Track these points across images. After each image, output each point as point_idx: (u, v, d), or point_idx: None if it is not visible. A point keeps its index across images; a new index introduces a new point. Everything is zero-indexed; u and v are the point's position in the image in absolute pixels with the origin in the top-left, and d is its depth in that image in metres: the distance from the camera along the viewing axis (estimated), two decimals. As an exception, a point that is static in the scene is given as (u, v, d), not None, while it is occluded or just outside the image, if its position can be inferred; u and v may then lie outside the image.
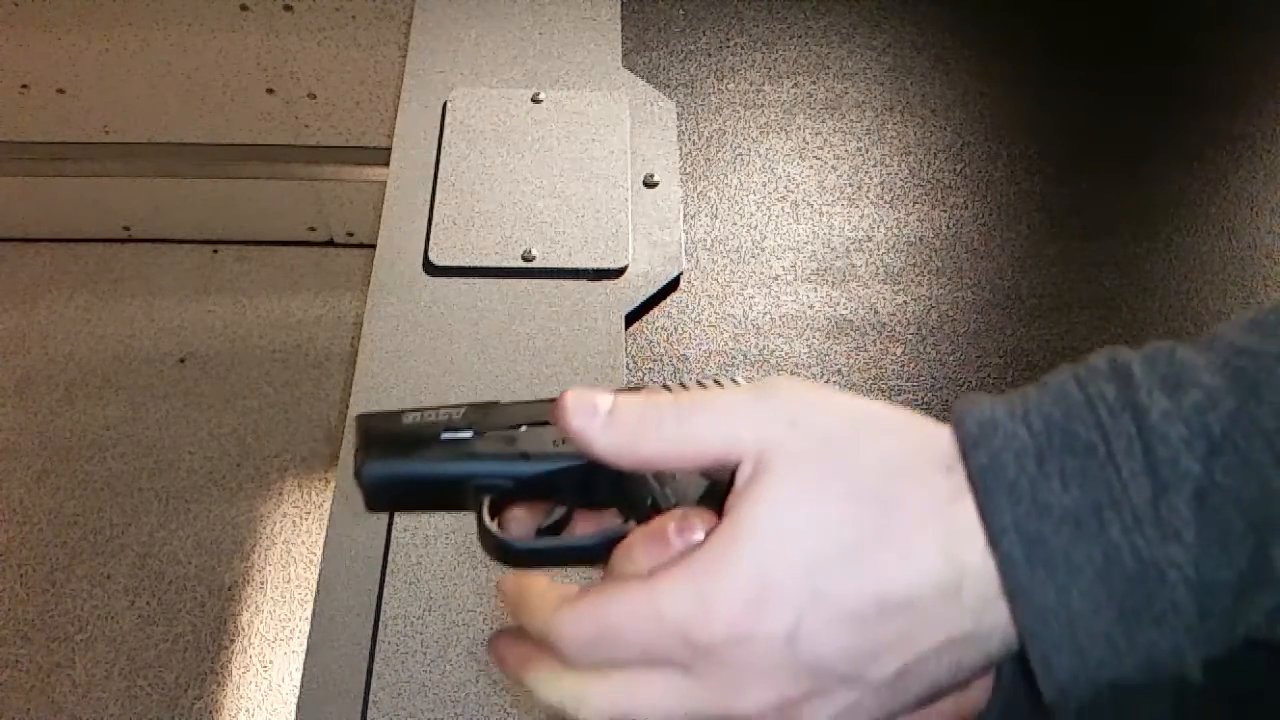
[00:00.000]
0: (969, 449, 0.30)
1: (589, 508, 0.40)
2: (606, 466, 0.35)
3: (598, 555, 0.37)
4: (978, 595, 0.30)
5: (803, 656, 0.30)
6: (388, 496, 0.40)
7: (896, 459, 0.31)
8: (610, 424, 0.34)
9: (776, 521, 0.31)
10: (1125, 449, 0.29)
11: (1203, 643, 0.29)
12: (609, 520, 0.40)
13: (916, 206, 0.96)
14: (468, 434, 0.40)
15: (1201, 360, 0.30)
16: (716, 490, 0.35)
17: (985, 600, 0.30)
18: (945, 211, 0.95)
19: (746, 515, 0.31)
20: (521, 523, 0.40)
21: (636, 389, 0.36)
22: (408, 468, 0.39)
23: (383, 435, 0.40)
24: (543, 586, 0.34)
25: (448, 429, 0.40)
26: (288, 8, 1.72)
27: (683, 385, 0.38)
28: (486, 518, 0.39)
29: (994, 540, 0.29)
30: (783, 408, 0.33)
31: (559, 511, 0.40)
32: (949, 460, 0.31)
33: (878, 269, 0.91)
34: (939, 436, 0.32)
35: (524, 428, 0.40)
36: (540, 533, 0.40)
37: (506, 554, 0.38)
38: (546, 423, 0.39)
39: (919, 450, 0.31)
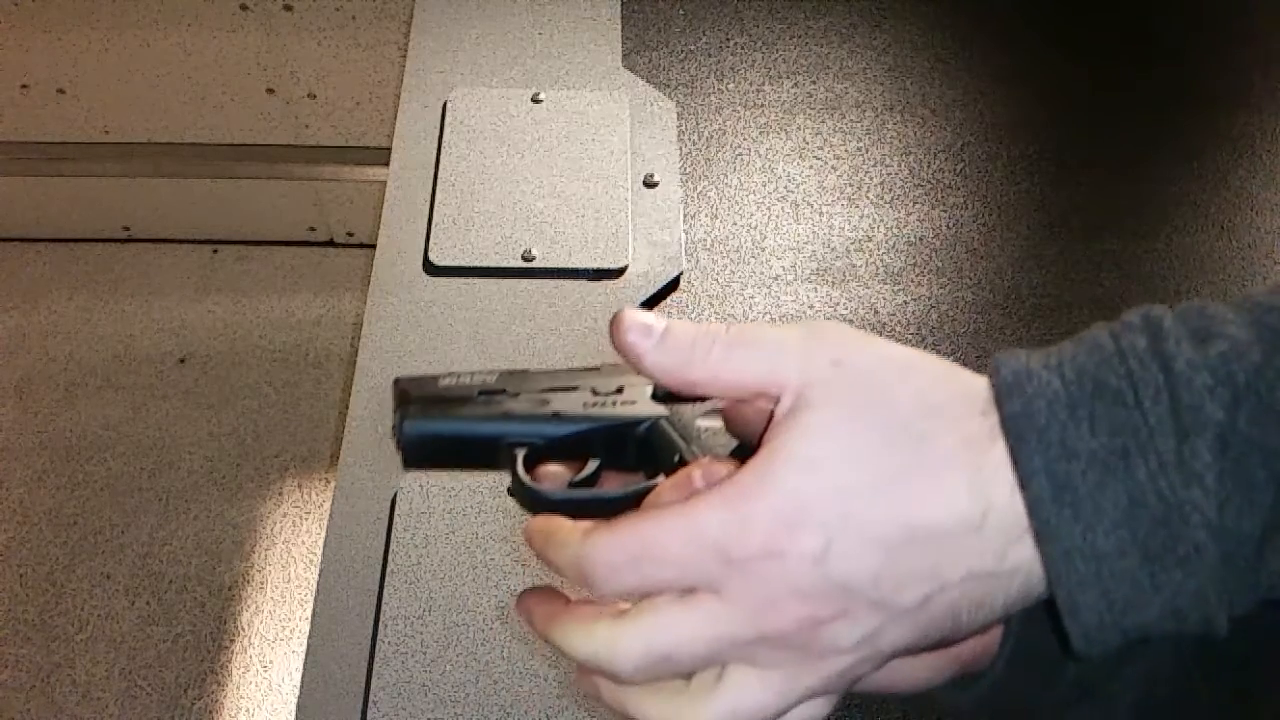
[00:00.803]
0: (1003, 396, 0.31)
1: (617, 469, 0.42)
2: (644, 419, 0.38)
3: (628, 506, 0.38)
4: (1001, 532, 0.31)
5: (833, 576, 0.31)
6: (424, 453, 0.42)
7: (933, 400, 0.32)
8: (662, 344, 0.35)
9: (813, 449, 0.32)
10: (1152, 396, 0.30)
11: (1226, 591, 0.29)
12: (635, 480, 0.41)
13: (916, 206, 0.96)
14: (501, 396, 0.42)
15: (1231, 315, 0.31)
16: (743, 450, 0.36)
17: (1008, 538, 0.31)
18: (945, 211, 0.95)
19: (783, 443, 0.32)
20: (552, 481, 0.41)
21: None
22: (444, 426, 0.41)
23: (421, 395, 0.42)
24: (572, 523, 0.35)
25: (483, 391, 0.42)
26: (288, 8, 1.72)
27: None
28: (520, 469, 0.40)
29: (1024, 483, 0.30)
30: (829, 347, 0.34)
31: (590, 467, 0.41)
32: (984, 406, 0.32)
33: (878, 269, 0.91)
34: (976, 384, 0.33)
35: (556, 391, 0.42)
36: (572, 486, 0.41)
37: (538, 503, 0.40)
38: (576, 387, 0.42)
39: (956, 395, 0.32)
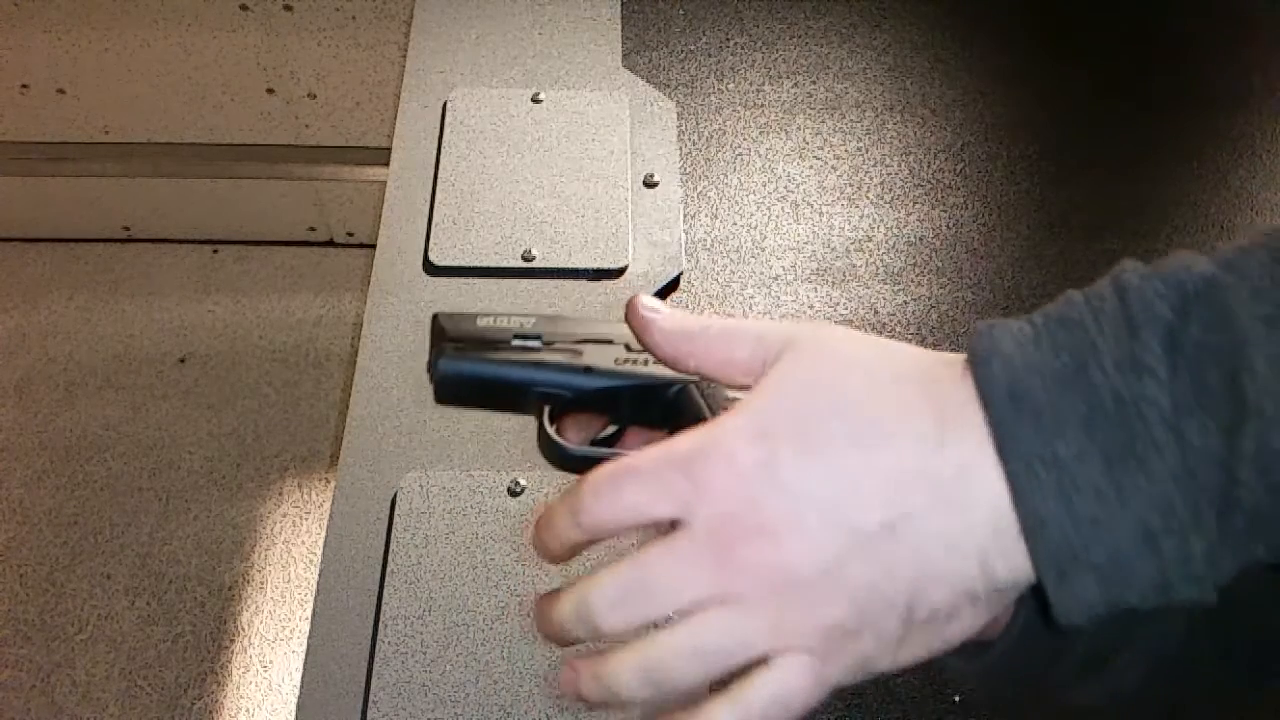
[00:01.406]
0: (975, 339, 0.32)
1: (641, 425, 0.43)
2: (655, 384, 0.40)
3: None
4: (961, 456, 0.31)
5: (784, 484, 0.32)
6: (455, 391, 0.43)
7: (904, 360, 0.34)
8: (668, 318, 0.39)
9: (783, 382, 0.34)
10: (1109, 315, 0.31)
11: (1199, 512, 0.29)
12: (659, 440, 0.42)
13: (916, 206, 0.96)
14: (536, 342, 0.43)
15: (1191, 253, 0.32)
16: None
17: (969, 464, 0.31)
18: (945, 211, 0.95)
19: (760, 383, 0.35)
20: (577, 431, 0.43)
21: None
22: (479, 368, 0.42)
23: (458, 334, 0.43)
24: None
25: (518, 335, 0.43)
26: (288, 8, 1.72)
27: None
28: (547, 423, 0.41)
29: (986, 400, 0.31)
30: (814, 327, 0.36)
31: (614, 426, 0.43)
32: (953, 360, 0.34)
33: (878, 269, 0.91)
34: (952, 355, 0.34)
35: (589, 343, 0.43)
36: (594, 444, 0.43)
37: (563, 457, 0.41)
38: (610, 340, 0.43)
39: (927, 356, 0.35)
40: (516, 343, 0.43)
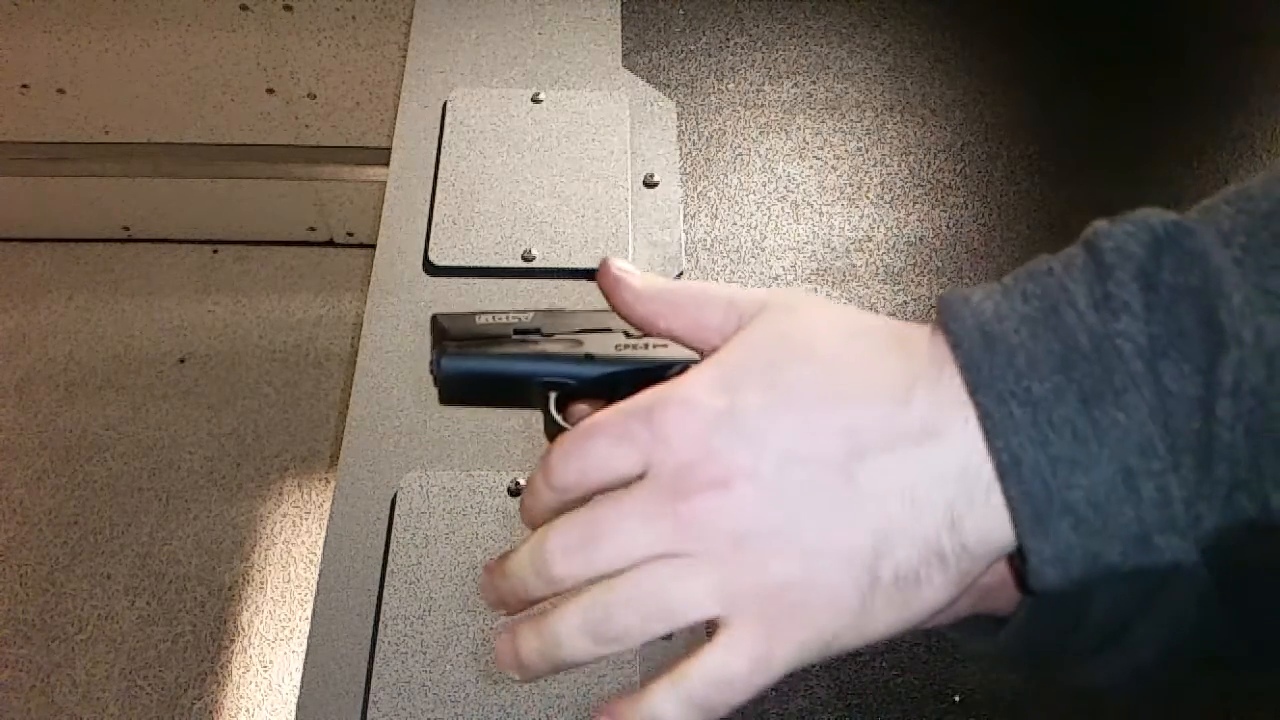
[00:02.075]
0: (944, 299, 0.32)
1: None
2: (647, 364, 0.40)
3: None
4: (927, 403, 0.31)
5: (740, 427, 0.31)
6: (460, 390, 0.44)
7: (874, 319, 0.34)
8: (640, 278, 0.39)
9: (751, 334, 0.34)
10: (1080, 262, 0.31)
11: (1179, 456, 0.28)
12: None
13: (916, 206, 0.96)
14: (536, 335, 0.43)
15: (1152, 209, 0.32)
16: None
17: (936, 410, 0.31)
18: (945, 211, 0.95)
19: (730, 339, 0.35)
20: (584, 419, 0.43)
21: None
22: (480, 364, 0.43)
23: (458, 332, 0.44)
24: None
25: (518, 330, 0.43)
26: (288, 8, 1.72)
27: None
28: (553, 409, 0.42)
29: (955, 344, 0.31)
30: (788, 292, 0.36)
31: None
32: (926, 327, 0.33)
33: (878, 269, 0.91)
34: (925, 325, 0.34)
35: (588, 333, 0.43)
36: None
37: None
38: (609, 328, 0.43)
39: (903, 324, 0.34)
40: (517, 337, 0.43)
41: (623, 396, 0.42)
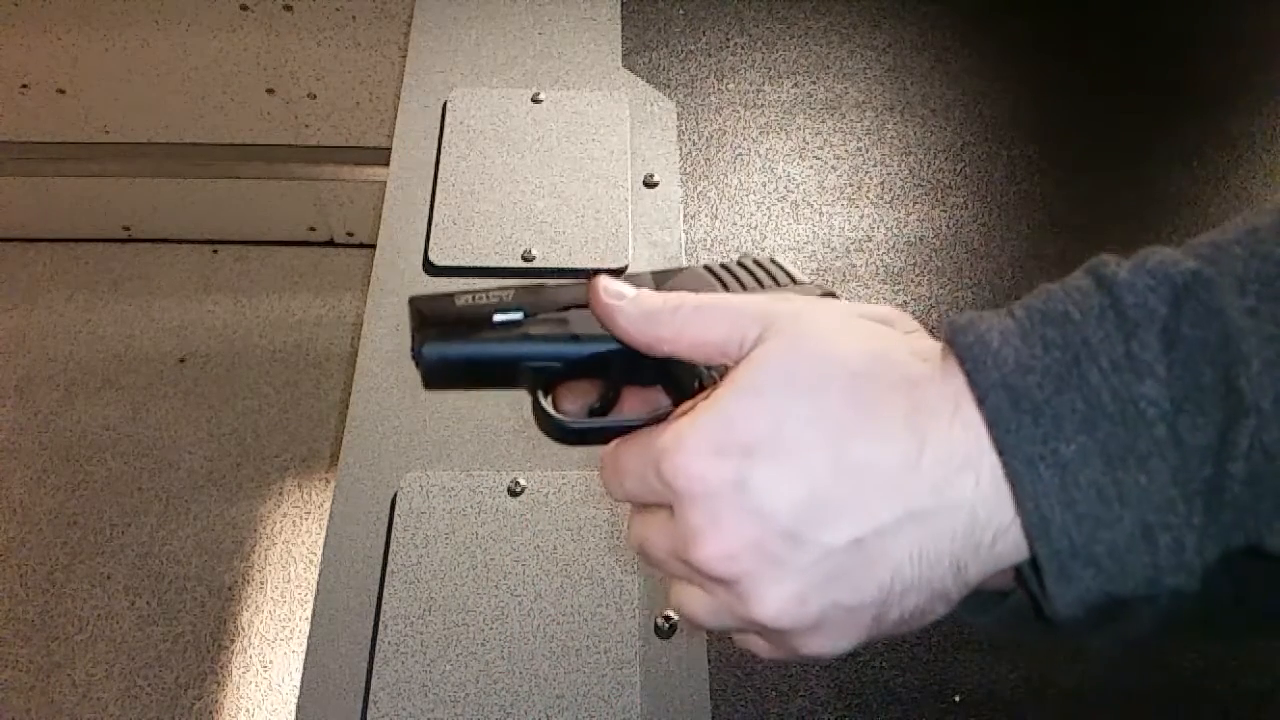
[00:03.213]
0: (956, 333, 0.32)
1: (636, 385, 0.42)
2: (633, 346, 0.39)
3: None
4: (938, 464, 0.31)
5: (750, 502, 0.32)
6: (444, 376, 0.42)
7: (880, 347, 0.34)
8: (634, 303, 0.38)
9: (756, 377, 0.34)
10: (1097, 312, 0.31)
11: (1192, 505, 0.29)
12: (656, 397, 0.42)
13: (916, 206, 0.96)
14: (519, 315, 0.41)
15: (1165, 248, 0.32)
16: None
17: (946, 471, 0.31)
18: (945, 211, 0.95)
19: (735, 374, 0.34)
20: (574, 399, 0.42)
21: None
22: (463, 349, 0.41)
23: (438, 317, 0.42)
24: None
25: (499, 311, 0.42)
26: (288, 8, 1.72)
27: None
28: (542, 398, 0.41)
29: (981, 398, 0.31)
30: (790, 304, 0.36)
31: (609, 391, 0.42)
32: (930, 354, 0.33)
33: (878, 269, 0.91)
34: (930, 341, 0.34)
35: (573, 310, 0.42)
36: (592, 413, 0.42)
37: (561, 432, 0.41)
38: None
39: (906, 346, 0.34)
40: (499, 318, 0.41)
41: (614, 376, 0.41)
